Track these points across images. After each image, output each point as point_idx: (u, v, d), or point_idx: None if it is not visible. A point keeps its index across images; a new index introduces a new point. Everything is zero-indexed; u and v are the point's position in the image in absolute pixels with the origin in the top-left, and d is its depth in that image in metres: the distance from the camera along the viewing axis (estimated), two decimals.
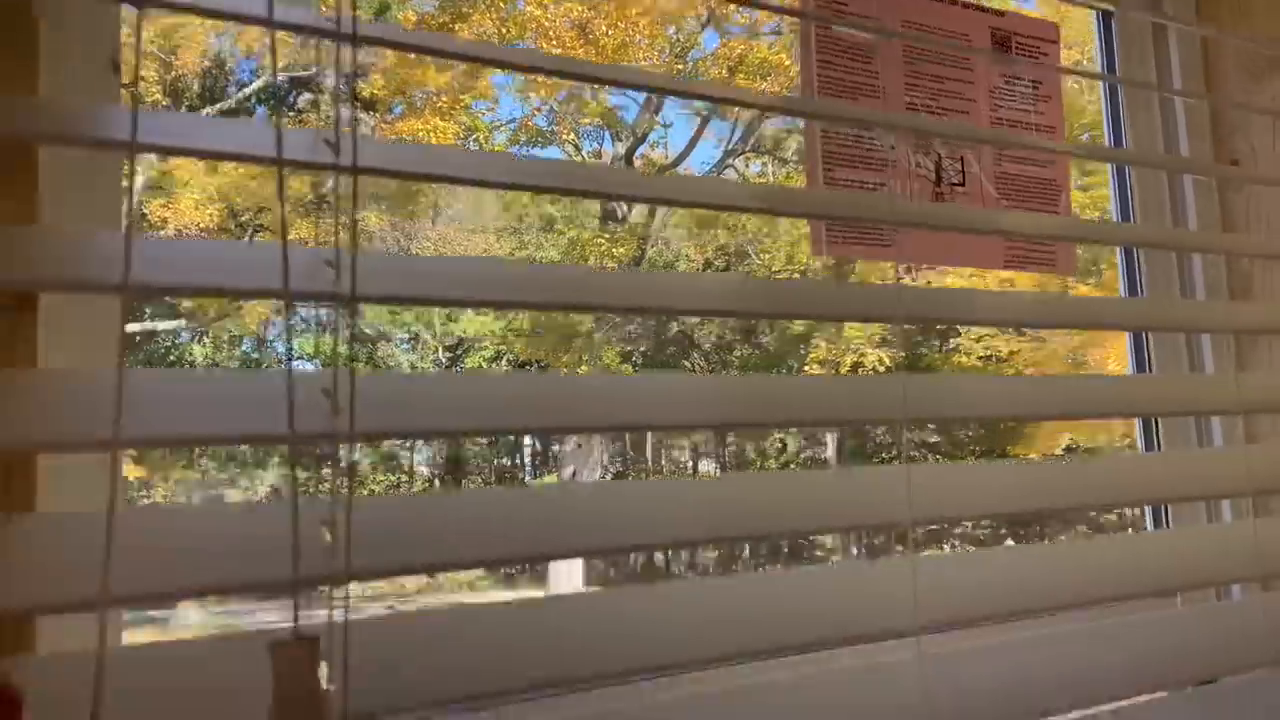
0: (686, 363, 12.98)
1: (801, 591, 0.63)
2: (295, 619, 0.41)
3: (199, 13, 0.42)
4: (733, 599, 0.60)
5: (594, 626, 0.53)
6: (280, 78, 9.14)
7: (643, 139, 9.98)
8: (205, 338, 10.00)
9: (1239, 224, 1.04)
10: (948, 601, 0.67)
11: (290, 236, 0.46)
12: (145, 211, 9.18)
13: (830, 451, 12.87)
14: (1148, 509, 1.06)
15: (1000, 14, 1.04)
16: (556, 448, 13.41)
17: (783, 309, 0.64)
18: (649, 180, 0.64)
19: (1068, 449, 9.46)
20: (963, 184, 1.00)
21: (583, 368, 9.74)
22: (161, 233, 8.92)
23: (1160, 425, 1.05)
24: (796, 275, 9.78)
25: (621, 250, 9.78)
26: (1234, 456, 0.90)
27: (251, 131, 0.48)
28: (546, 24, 7.91)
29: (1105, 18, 1.11)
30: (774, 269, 9.47)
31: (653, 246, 10.52)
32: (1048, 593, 0.73)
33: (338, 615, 0.43)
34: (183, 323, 8.97)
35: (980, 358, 9.66)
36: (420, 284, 0.49)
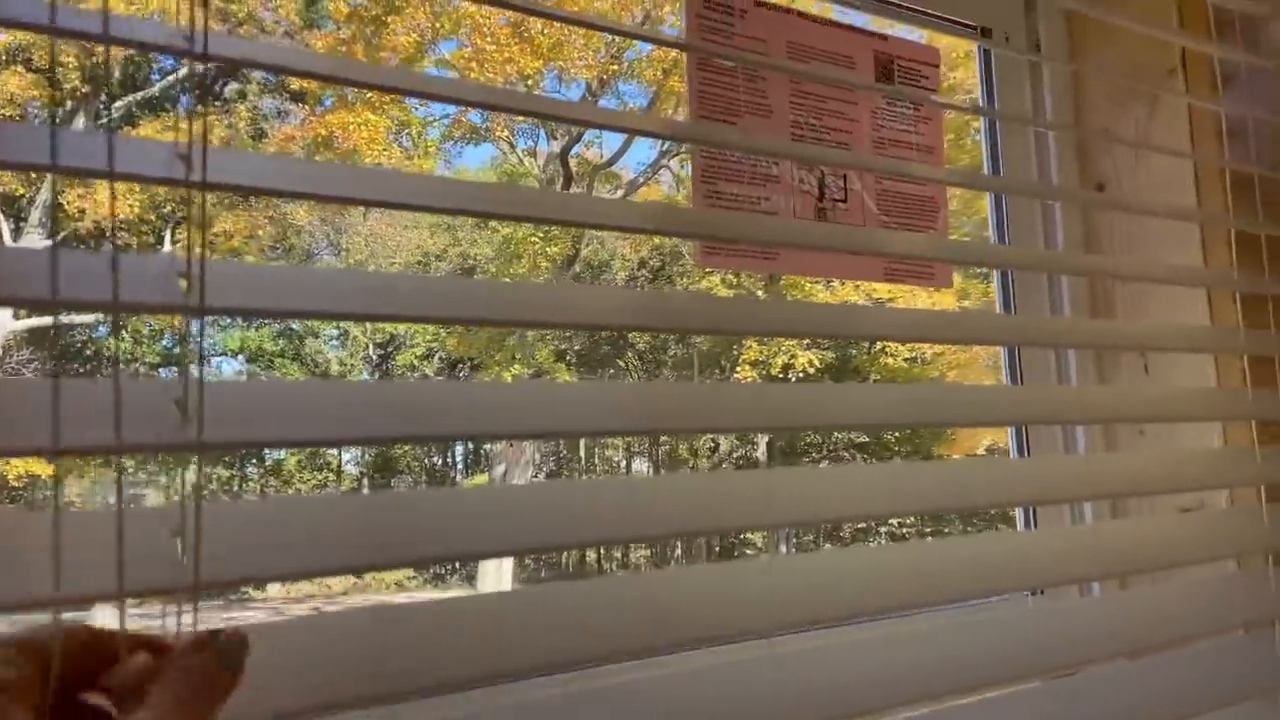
0: (621, 362, 13.03)
1: (663, 592, 0.66)
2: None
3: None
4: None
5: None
6: (202, 65, 8.91)
7: (578, 138, 9.99)
8: (124, 331, 9.74)
9: (1103, 241, 1.10)
10: (805, 600, 0.71)
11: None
12: (63, 202, 8.90)
13: (761, 452, 13.04)
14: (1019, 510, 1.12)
15: (884, 38, 1.08)
16: (488, 447, 13.33)
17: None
18: (537, 198, 0.66)
19: (988, 450, 9.72)
20: (844, 200, 1.04)
21: (515, 367, 9.72)
22: (79, 225, 8.65)
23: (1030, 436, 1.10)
24: (730, 275, 9.86)
25: (555, 249, 9.78)
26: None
27: (90, 141, 0.48)
28: (481, 20, 7.86)
29: (985, 48, 1.16)
30: (707, 269, 9.54)
31: (587, 245, 10.54)
32: (911, 591, 0.77)
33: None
34: (100, 315, 8.70)
35: (906, 359, 9.90)
36: (271, 296, 0.51)
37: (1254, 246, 1.00)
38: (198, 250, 0.48)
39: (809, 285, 8.84)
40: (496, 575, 9.74)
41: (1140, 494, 0.98)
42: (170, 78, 9.37)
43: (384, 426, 0.54)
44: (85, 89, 8.75)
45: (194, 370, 0.48)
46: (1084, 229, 1.10)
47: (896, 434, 11.93)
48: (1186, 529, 1.00)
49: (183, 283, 0.48)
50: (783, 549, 12.75)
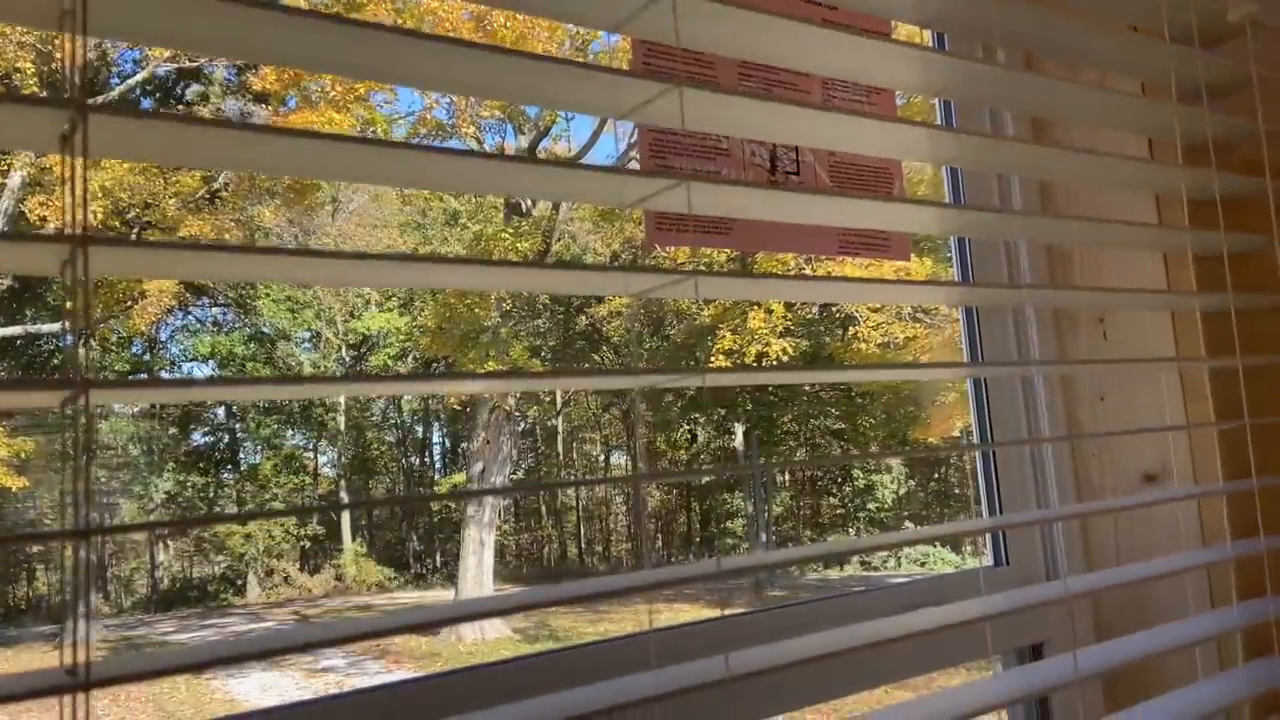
0: (596, 356, 13.02)
1: None
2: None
3: None
4: None
5: None
6: (164, 68, 8.79)
7: (546, 132, 9.93)
8: (91, 340, 9.61)
9: (1059, 209, 1.09)
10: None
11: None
12: (24, 209, 8.77)
13: (738, 441, 13.06)
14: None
15: (833, 8, 1.06)
16: (464, 445, 13.27)
17: None
18: None
19: (964, 431, 9.79)
20: (797, 172, 1.03)
21: (489, 364, 9.66)
22: (40, 230, 8.50)
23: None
24: (703, 265, 9.84)
25: (526, 245, 9.71)
26: None
27: None
28: (443, 14, 7.79)
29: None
30: (679, 260, 9.52)
31: (558, 240, 10.49)
32: None
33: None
34: (66, 325, 8.58)
35: (879, 344, 9.92)
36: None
37: (1210, 213, 0.99)
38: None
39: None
40: (477, 573, 9.69)
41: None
42: (130, 80, 9.24)
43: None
44: (43, 94, 8.61)
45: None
46: (1040, 197, 1.09)
47: (871, 419, 11.99)
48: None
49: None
50: (762, 536, 12.80)
